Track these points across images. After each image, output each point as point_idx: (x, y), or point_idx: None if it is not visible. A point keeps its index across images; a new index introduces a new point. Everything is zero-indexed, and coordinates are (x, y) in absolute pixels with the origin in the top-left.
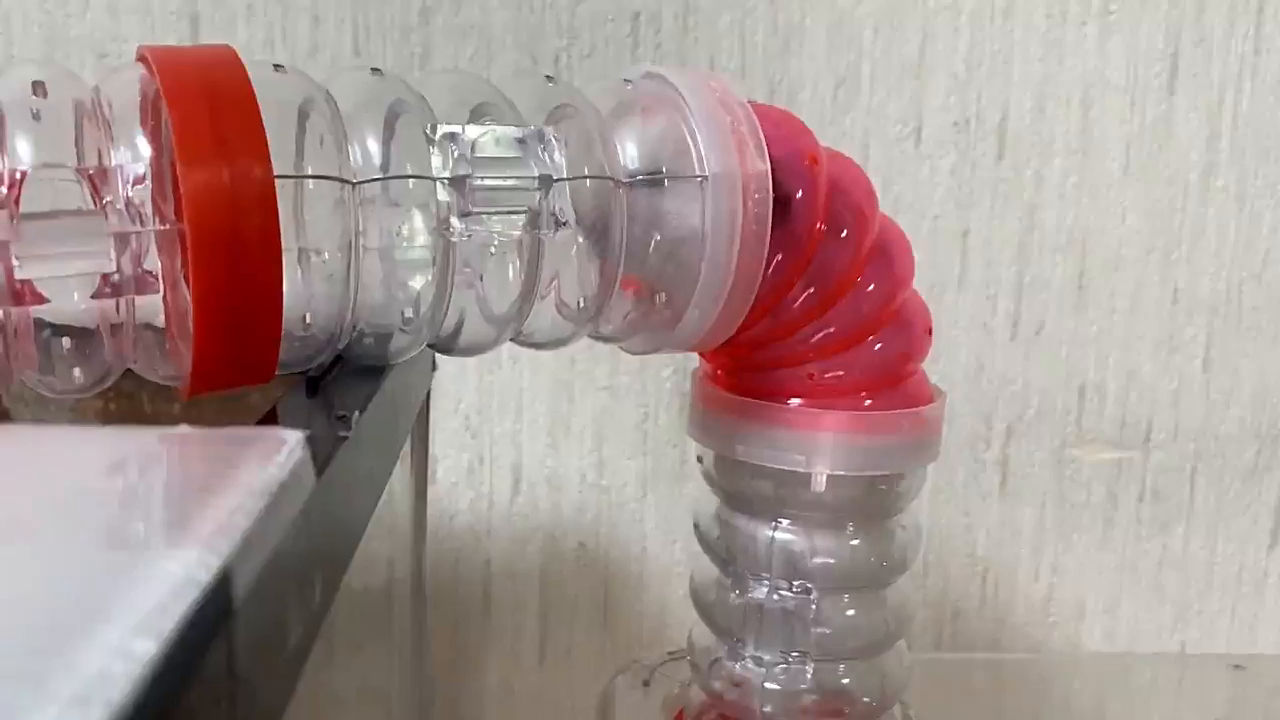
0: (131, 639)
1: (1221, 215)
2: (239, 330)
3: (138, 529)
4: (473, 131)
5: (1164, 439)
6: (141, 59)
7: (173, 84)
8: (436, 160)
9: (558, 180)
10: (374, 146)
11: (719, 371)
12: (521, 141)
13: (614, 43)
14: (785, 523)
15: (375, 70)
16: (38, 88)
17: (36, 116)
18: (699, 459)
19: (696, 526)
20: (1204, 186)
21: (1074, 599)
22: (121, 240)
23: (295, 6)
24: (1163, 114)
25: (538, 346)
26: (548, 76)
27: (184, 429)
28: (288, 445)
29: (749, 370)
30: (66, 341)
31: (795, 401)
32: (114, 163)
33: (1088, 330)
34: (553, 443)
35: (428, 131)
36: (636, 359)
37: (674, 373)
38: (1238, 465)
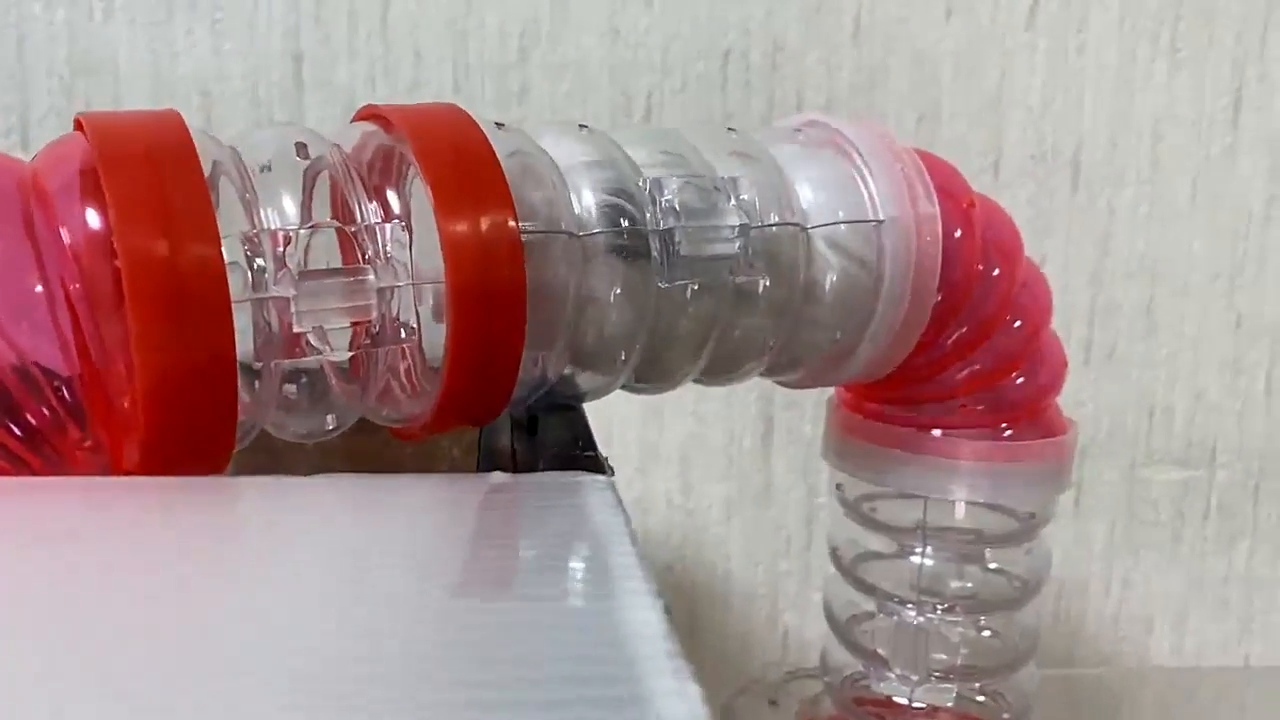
0: (672, 679)
1: None
2: (484, 373)
3: (568, 577)
4: (675, 183)
5: (1229, 459)
6: (377, 117)
7: (424, 145)
8: (647, 211)
9: (755, 228)
10: (590, 199)
11: (864, 402)
12: (718, 190)
13: (705, 79)
14: (928, 549)
15: (583, 126)
16: (300, 149)
17: (301, 177)
18: (838, 486)
19: (834, 552)
20: (1266, 215)
21: (1142, 614)
22: (382, 294)
23: (397, 45)
24: (1228, 146)
25: (714, 384)
26: (730, 128)
27: (499, 476)
28: (601, 489)
29: (895, 402)
30: (313, 388)
31: (937, 432)
32: (371, 220)
33: (1157, 354)
34: (641, 466)
35: (639, 184)
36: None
37: (758, 398)
38: None
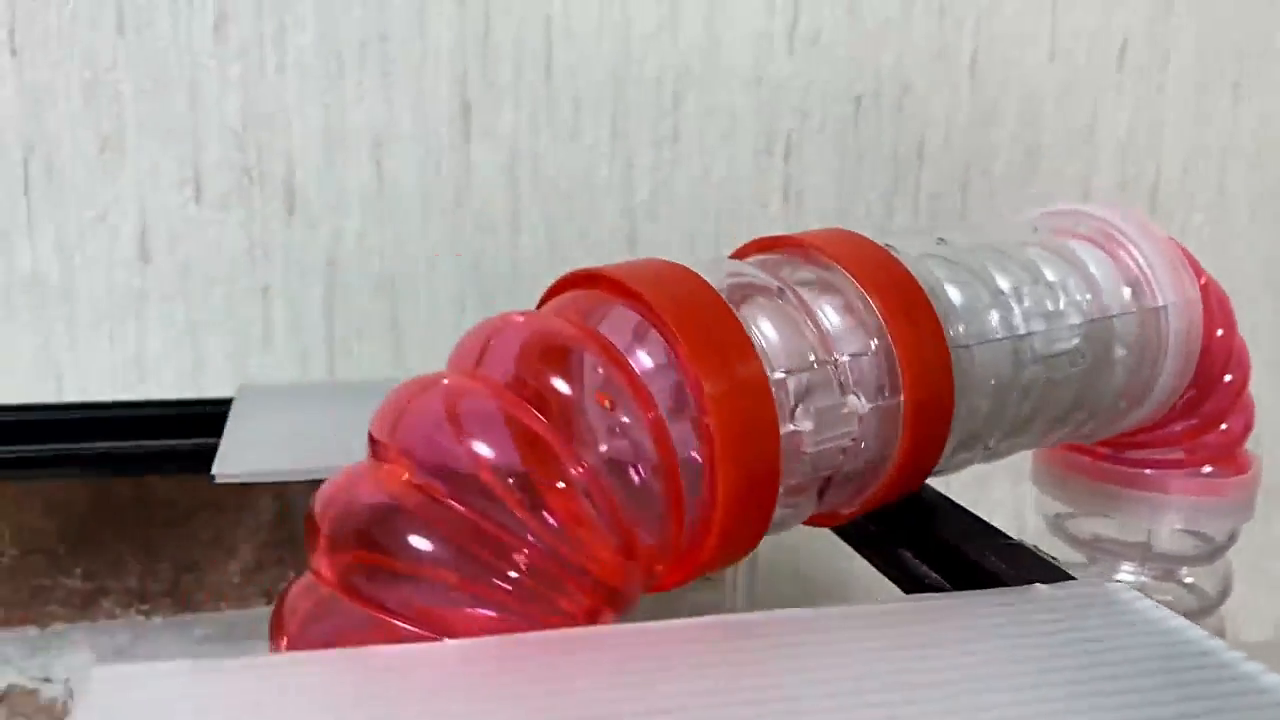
0: None
1: None
2: (919, 469)
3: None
4: (1027, 291)
5: None
6: (788, 247)
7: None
8: (998, 316)
9: (1089, 323)
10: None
11: (1093, 446)
12: (1061, 293)
13: (840, 120)
14: (1129, 566)
15: (940, 240)
16: (785, 290)
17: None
18: (1057, 515)
19: None
20: None
21: None
22: (860, 418)
23: (559, 93)
24: None
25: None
26: (1034, 228)
27: (1039, 588)
28: (1137, 598)
29: (1122, 448)
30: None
31: (1149, 471)
32: (844, 355)
33: None
34: None
35: (1004, 293)
36: None
37: None
38: None
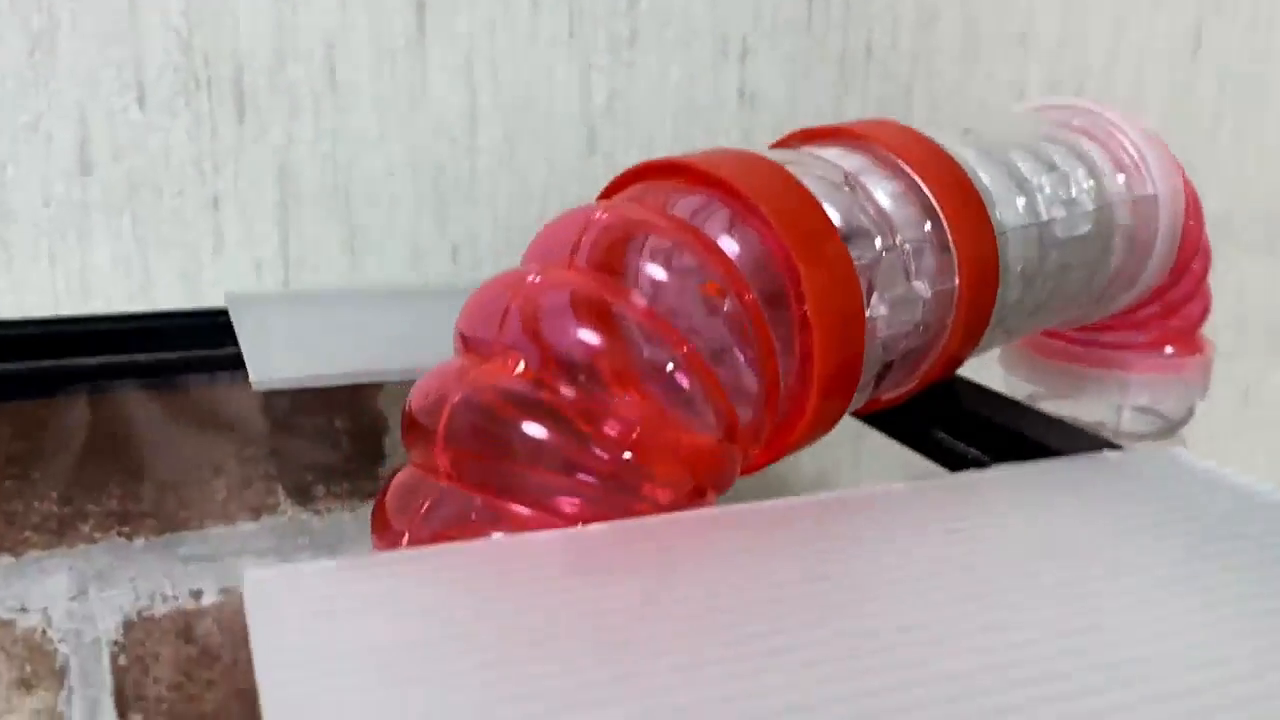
0: None
1: None
2: (969, 342)
3: None
4: (1046, 180)
5: None
6: (854, 138)
7: (930, 177)
8: (1025, 203)
9: (1097, 209)
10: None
11: (1065, 331)
12: (1075, 183)
13: (792, 21)
14: None
15: (967, 131)
16: (850, 179)
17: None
18: (1029, 397)
19: None
20: None
21: None
22: (925, 303)
23: None
24: None
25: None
26: (1039, 120)
27: (1108, 454)
28: (1197, 460)
29: (1090, 331)
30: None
31: (1116, 352)
32: (910, 245)
33: None
34: None
35: (1028, 181)
36: None
37: None
38: None
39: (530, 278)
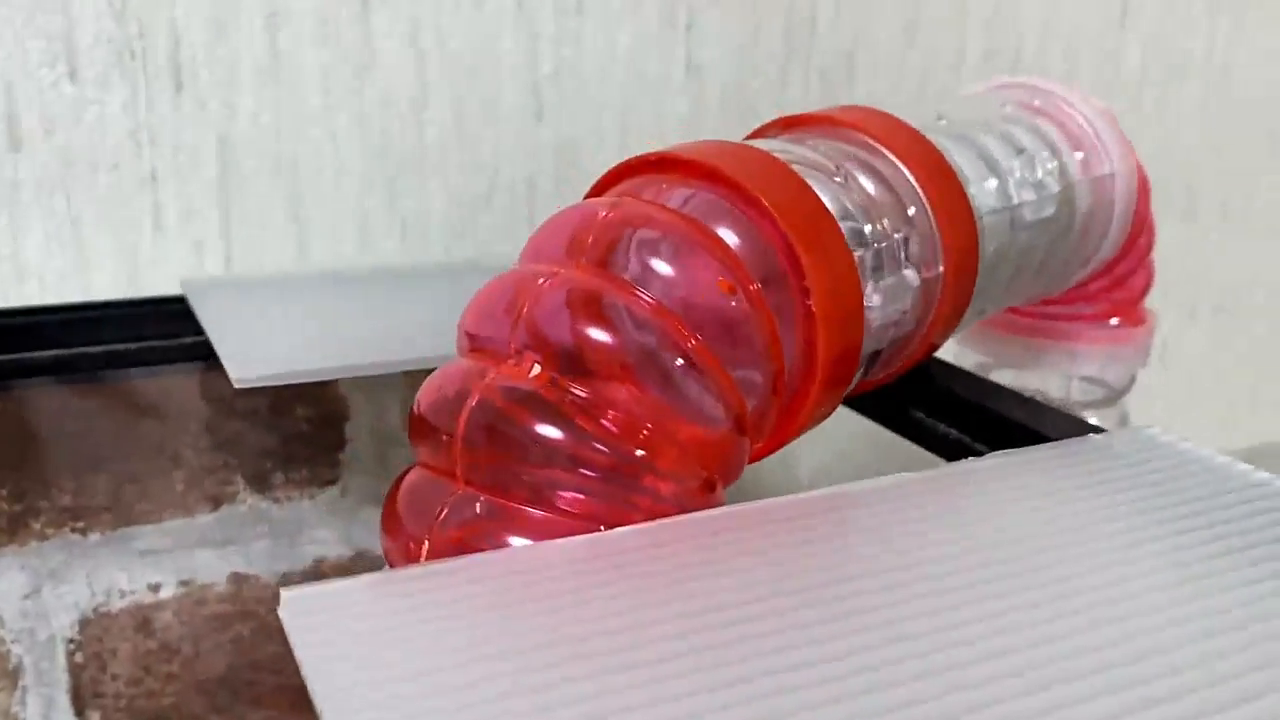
0: None
1: None
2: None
3: None
4: (1015, 164)
5: None
6: (837, 125)
7: (909, 157)
8: (996, 187)
9: (1061, 190)
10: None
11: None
12: (1040, 165)
13: None
14: None
15: (939, 117)
16: (840, 168)
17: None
18: (980, 365)
19: None
20: None
21: None
22: (915, 291)
23: None
24: None
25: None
26: (1002, 102)
27: (1093, 438)
28: (1175, 440)
29: (1041, 304)
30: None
31: (1066, 324)
32: (899, 234)
33: None
34: None
35: (999, 164)
36: None
37: None
38: None
39: (540, 280)
